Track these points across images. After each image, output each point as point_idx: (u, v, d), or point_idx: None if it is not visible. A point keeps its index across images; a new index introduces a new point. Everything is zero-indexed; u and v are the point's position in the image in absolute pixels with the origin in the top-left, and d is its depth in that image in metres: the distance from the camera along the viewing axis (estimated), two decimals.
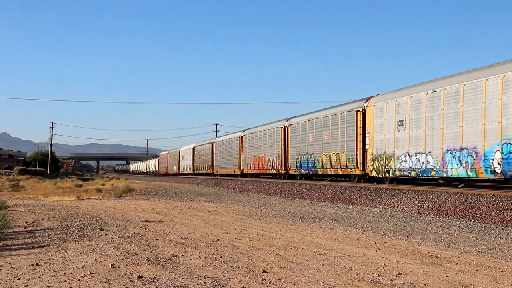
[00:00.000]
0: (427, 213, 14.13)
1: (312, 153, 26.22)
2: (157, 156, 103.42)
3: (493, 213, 12.26)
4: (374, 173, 21.04)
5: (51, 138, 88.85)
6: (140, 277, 5.85)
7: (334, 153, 24.12)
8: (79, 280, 5.72)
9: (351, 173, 22.92)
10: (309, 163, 26.63)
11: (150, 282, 5.64)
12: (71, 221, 11.91)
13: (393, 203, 16.14)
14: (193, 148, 57.52)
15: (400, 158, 19.12)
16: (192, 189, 32.72)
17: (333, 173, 24.67)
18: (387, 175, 20.06)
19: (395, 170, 19.43)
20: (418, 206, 14.91)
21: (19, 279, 5.76)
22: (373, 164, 20.93)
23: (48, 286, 5.44)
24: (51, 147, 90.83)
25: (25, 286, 5.47)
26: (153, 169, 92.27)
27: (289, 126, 29.80)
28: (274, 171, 32.31)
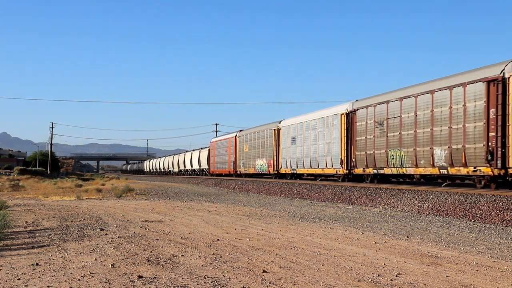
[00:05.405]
0: (427, 213, 14.13)
1: None
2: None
3: (493, 213, 12.27)
4: None
5: (51, 138, 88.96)
6: (140, 277, 5.86)
7: None
8: (79, 280, 5.72)
9: None
10: None
11: (150, 282, 5.64)
12: (71, 221, 11.91)
13: (393, 203, 16.14)
14: (346, 114, 23.34)
15: None
16: (192, 189, 32.71)
17: None
18: None
19: None
20: (418, 206, 14.90)
21: (19, 279, 5.76)
22: None
23: (48, 286, 5.44)
24: (51, 147, 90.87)
25: (25, 286, 5.47)
26: (195, 167, 57.50)
27: None
28: None
